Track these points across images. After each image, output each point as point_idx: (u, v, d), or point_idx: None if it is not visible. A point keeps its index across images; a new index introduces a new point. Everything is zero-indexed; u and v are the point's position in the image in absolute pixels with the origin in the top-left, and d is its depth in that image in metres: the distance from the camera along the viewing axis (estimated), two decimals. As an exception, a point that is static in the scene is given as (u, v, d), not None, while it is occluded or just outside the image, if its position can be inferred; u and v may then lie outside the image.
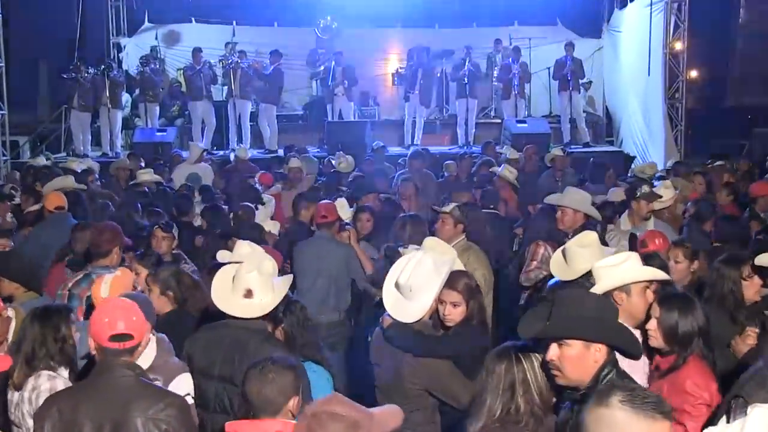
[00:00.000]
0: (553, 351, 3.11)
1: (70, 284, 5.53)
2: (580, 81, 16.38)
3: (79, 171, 11.35)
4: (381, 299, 4.92)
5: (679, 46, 15.89)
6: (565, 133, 16.17)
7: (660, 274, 4.28)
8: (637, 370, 4.04)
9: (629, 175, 11.92)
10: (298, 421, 2.59)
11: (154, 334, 4.09)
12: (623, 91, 17.11)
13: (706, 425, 3.51)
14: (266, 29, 18.48)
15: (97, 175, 11.77)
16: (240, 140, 15.75)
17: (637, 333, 4.08)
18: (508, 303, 6.96)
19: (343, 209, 7.69)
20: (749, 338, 4.28)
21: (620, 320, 4.02)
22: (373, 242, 7.22)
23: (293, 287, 6.52)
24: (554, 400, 3.24)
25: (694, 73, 22.06)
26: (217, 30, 18.07)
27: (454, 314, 4.46)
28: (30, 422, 3.75)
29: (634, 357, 3.26)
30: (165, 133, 15.66)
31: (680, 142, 15.83)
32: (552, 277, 5.12)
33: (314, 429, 2.50)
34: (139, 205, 8.73)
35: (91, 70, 15.80)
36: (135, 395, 3.45)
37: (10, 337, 4.38)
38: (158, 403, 3.45)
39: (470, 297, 4.49)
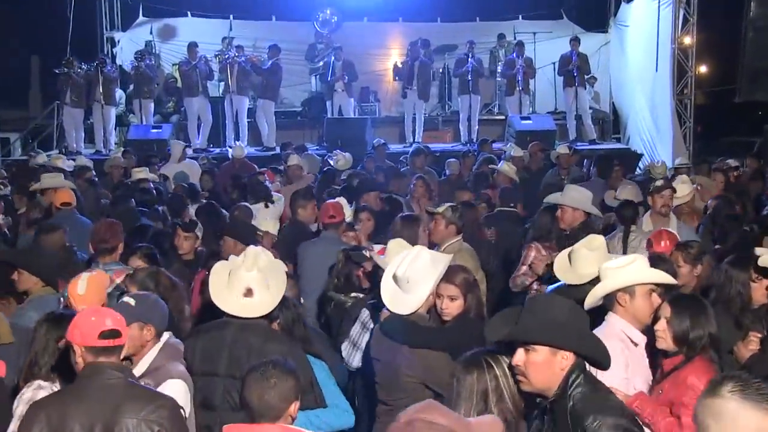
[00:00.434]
0: (519, 356, 3.11)
1: None
2: (586, 76, 16.35)
3: (68, 169, 11.36)
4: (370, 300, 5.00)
5: (687, 40, 15.87)
6: (571, 129, 16.13)
7: (666, 278, 4.27)
8: (641, 372, 4.04)
9: (637, 173, 11.91)
10: (391, 429, 2.57)
11: (163, 338, 4.15)
12: (630, 87, 17.09)
13: None
14: (264, 23, 18.45)
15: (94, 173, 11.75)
16: (237, 137, 15.72)
17: (641, 336, 4.10)
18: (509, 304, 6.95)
19: (344, 209, 7.66)
20: (752, 343, 4.27)
21: (625, 322, 4.10)
22: (374, 242, 7.18)
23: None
24: (523, 405, 3.25)
25: (703, 69, 22.08)
26: (213, 24, 18.05)
27: (451, 308, 4.58)
28: None
29: (602, 367, 3.23)
30: (160, 130, 15.62)
31: (689, 139, 15.81)
32: (550, 281, 5.13)
33: None
34: (133, 202, 8.75)
35: (84, 66, 15.77)
36: (125, 397, 3.46)
37: None
38: (149, 405, 3.47)
39: (468, 291, 4.61)
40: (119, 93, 16.74)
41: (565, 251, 5.15)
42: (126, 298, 4.13)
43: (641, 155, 15.84)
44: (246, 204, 8.29)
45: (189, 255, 6.82)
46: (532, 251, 6.33)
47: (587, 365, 3.20)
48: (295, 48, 17.72)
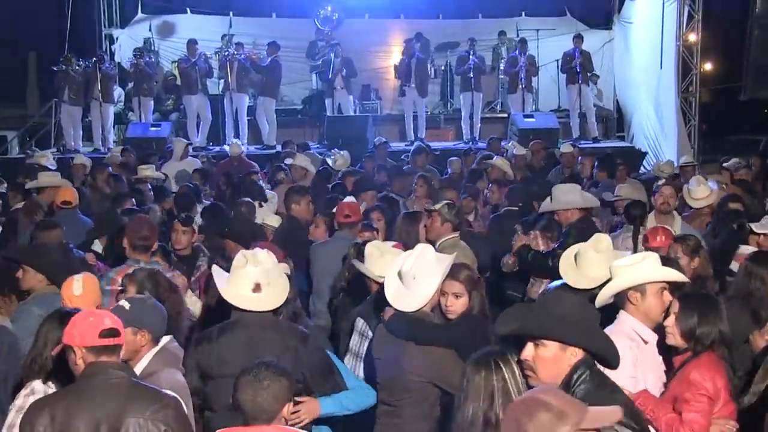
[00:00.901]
0: (528, 350, 3.17)
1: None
2: (589, 74, 16.38)
3: (52, 167, 11.38)
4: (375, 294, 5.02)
5: (692, 38, 15.89)
6: (574, 128, 16.16)
7: (677, 276, 4.32)
8: (654, 368, 4.09)
9: (642, 171, 11.94)
10: (510, 406, 2.64)
11: (162, 342, 4.16)
12: (634, 84, 17.10)
13: None
14: (264, 20, 18.46)
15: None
16: (237, 135, 15.75)
17: (651, 334, 4.14)
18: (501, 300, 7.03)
19: (360, 209, 7.71)
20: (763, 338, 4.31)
21: (636, 320, 4.14)
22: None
23: (310, 289, 6.59)
24: None
25: (708, 66, 22.08)
26: (213, 21, 18.06)
27: (456, 305, 4.61)
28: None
29: (610, 366, 3.29)
30: (159, 128, 15.64)
31: (694, 137, 15.85)
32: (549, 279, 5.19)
33: (523, 413, 2.52)
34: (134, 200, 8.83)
35: (82, 63, 15.80)
36: (130, 396, 3.47)
37: None
38: (154, 404, 3.48)
39: (472, 288, 4.65)
40: (118, 91, 16.78)
41: (571, 251, 5.19)
42: (121, 302, 4.11)
43: (645, 153, 15.87)
44: (249, 200, 8.31)
45: (186, 250, 6.84)
46: (530, 236, 6.70)
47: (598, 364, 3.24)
48: (296, 45, 17.74)
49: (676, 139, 15.27)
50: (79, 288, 4.67)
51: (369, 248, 5.31)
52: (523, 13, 18.29)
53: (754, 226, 6.29)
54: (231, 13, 17.82)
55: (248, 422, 3.27)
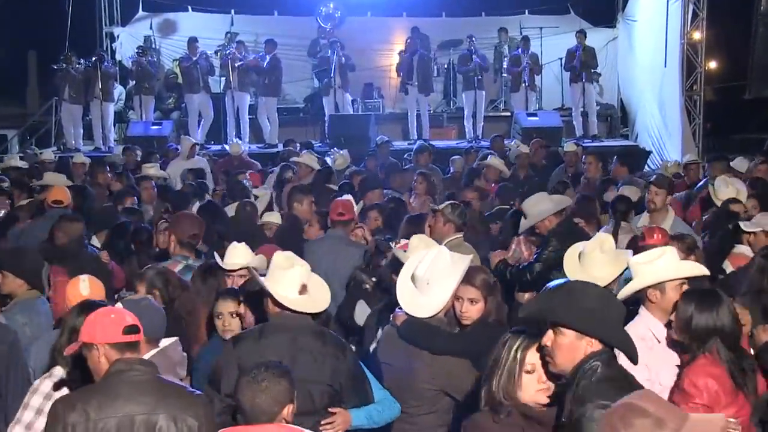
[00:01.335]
0: (548, 336, 3.20)
1: None
2: (593, 71, 16.39)
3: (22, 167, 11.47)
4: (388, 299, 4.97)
5: (697, 36, 15.91)
6: (578, 126, 16.18)
7: (696, 270, 4.31)
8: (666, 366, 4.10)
9: (646, 171, 11.93)
10: (607, 412, 2.61)
11: (162, 345, 4.14)
12: (639, 83, 17.11)
13: None
14: (266, 18, 18.49)
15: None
16: (238, 134, 15.78)
17: (665, 332, 4.12)
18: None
19: (353, 207, 7.72)
20: (764, 335, 4.31)
21: (654, 318, 4.15)
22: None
23: None
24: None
25: (712, 65, 22.10)
26: (214, 19, 18.08)
27: (471, 311, 4.42)
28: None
29: (631, 361, 3.28)
30: (160, 127, 15.69)
31: (698, 136, 15.84)
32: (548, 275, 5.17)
33: (619, 419, 2.50)
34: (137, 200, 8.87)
35: (82, 61, 15.83)
36: (160, 392, 3.49)
37: None
38: (185, 400, 3.51)
39: (489, 293, 4.45)
40: (118, 89, 16.81)
41: (575, 250, 5.15)
42: (117, 304, 4.09)
43: (650, 152, 15.88)
44: (251, 201, 8.32)
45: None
46: (512, 244, 6.73)
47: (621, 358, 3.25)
48: (298, 43, 17.78)
49: (680, 138, 15.27)
50: (86, 288, 4.65)
51: (415, 240, 5.23)
52: (527, 11, 18.29)
53: (743, 225, 6.25)
54: (232, 11, 17.82)
55: (249, 423, 3.28)
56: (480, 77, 15.79)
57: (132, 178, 10.64)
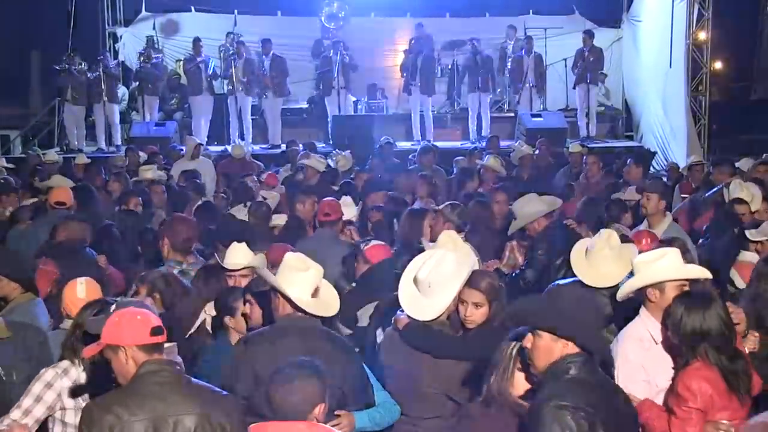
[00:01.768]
0: (528, 338, 3.31)
1: None
2: (600, 72, 16.40)
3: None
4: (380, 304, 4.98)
5: (702, 36, 15.90)
6: (582, 127, 16.19)
7: (696, 273, 4.30)
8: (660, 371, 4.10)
9: (651, 172, 11.91)
10: (746, 427, 2.59)
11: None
12: (643, 83, 17.11)
13: None
14: (269, 18, 18.49)
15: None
16: (241, 135, 15.80)
17: (658, 329, 4.12)
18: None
19: (349, 208, 7.74)
20: (750, 342, 4.30)
21: (653, 319, 4.14)
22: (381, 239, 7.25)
23: None
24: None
25: (718, 65, 22.03)
26: (217, 19, 18.06)
27: (475, 315, 4.39)
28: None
29: (602, 363, 3.33)
30: (163, 128, 15.71)
31: (703, 137, 15.85)
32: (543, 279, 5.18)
33: None
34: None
35: (85, 62, 15.85)
36: (191, 393, 3.51)
37: None
38: (215, 401, 3.55)
39: (493, 298, 4.41)
40: (122, 90, 16.84)
41: (581, 246, 5.14)
42: (112, 307, 4.09)
43: (655, 153, 15.87)
44: (261, 201, 8.33)
45: None
46: (506, 250, 6.80)
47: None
48: (301, 44, 17.80)
49: (685, 139, 15.27)
50: (83, 291, 4.66)
51: (443, 237, 5.21)
52: (531, 12, 18.26)
53: (748, 234, 6.13)
54: (236, 11, 17.80)
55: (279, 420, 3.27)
56: (483, 78, 15.79)
57: (129, 179, 10.66)
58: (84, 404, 3.80)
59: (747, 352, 4.23)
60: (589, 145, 13.82)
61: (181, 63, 16.82)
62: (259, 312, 4.52)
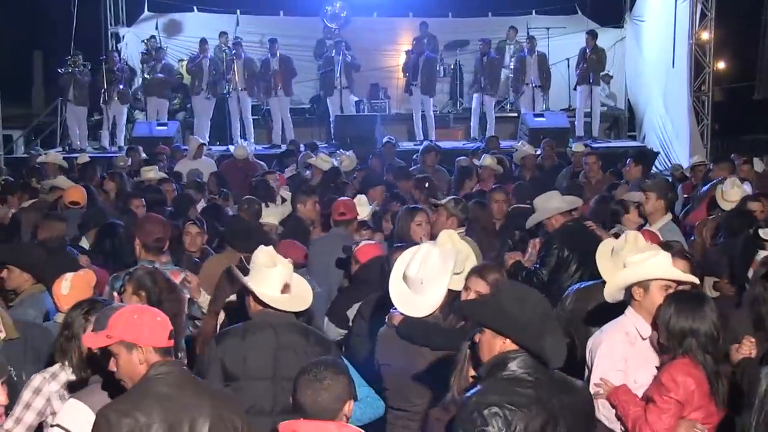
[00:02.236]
0: (477, 334, 3.37)
1: None
2: (601, 73, 16.39)
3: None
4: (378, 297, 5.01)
5: (705, 36, 15.88)
6: (579, 127, 16.10)
7: (680, 276, 4.29)
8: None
9: (653, 172, 11.90)
10: None
11: None
12: (646, 83, 17.10)
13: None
14: (271, 18, 18.53)
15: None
16: (243, 135, 15.82)
17: (650, 330, 4.14)
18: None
19: (363, 207, 7.75)
20: (744, 347, 4.30)
21: (637, 316, 4.17)
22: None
23: None
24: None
25: (721, 65, 22.06)
26: (220, 19, 18.09)
27: None
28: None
29: (546, 363, 3.29)
30: (166, 128, 15.71)
31: (706, 137, 15.82)
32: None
33: None
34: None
35: (88, 62, 15.87)
36: (204, 394, 3.51)
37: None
38: (227, 401, 3.57)
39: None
40: (126, 90, 16.84)
41: (606, 247, 5.08)
42: None
43: (657, 153, 15.87)
44: (252, 198, 8.34)
45: (197, 252, 6.93)
46: (529, 247, 6.83)
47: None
48: (303, 44, 17.80)
49: (688, 139, 15.25)
50: (66, 287, 4.69)
51: (443, 236, 5.19)
52: (534, 11, 18.29)
53: (762, 232, 6.06)
54: (238, 11, 17.86)
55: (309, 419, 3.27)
56: (487, 79, 15.80)
57: (126, 177, 10.68)
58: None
59: (742, 357, 4.23)
60: (592, 146, 13.80)
61: (184, 63, 16.83)
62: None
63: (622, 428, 4.06)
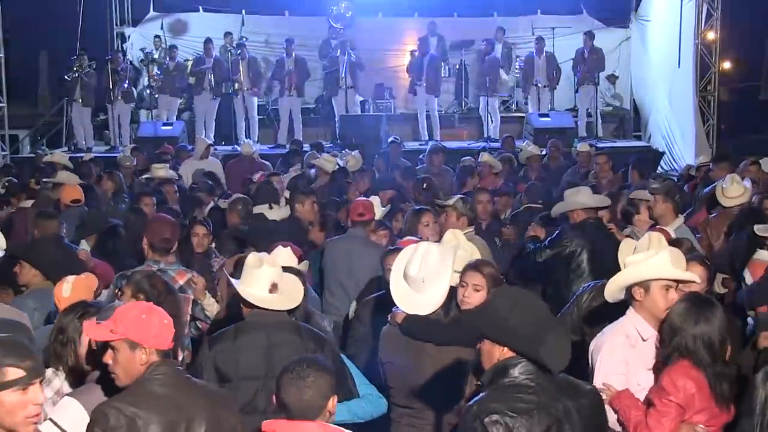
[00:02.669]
0: (478, 343, 3.38)
1: None
2: (602, 73, 16.37)
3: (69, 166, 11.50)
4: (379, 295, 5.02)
5: (711, 35, 15.87)
6: (581, 127, 16.11)
7: (680, 275, 4.25)
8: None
9: (659, 172, 11.87)
10: None
11: None
12: (652, 83, 17.08)
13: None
14: (277, 18, 18.53)
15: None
16: (248, 135, 15.84)
17: (651, 332, 4.12)
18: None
19: (377, 208, 7.73)
20: (764, 339, 4.30)
21: (638, 317, 4.15)
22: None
23: (321, 286, 6.65)
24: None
25: (727, 65, 21.99)
26: (225, 19, 18.11)
27: (473, 298, 4.47)
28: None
29: (546, 369, 3.27)
30: (171, 127, 15.73)
31: (712, 137, 15.81)
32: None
33: None
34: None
35: (93, 63, 15.89)
36: (201, 394, 3.53)
37: None
38: (224, 401, 3.59)
39: (493, 284, 4.51)
40: (130, 90, 16.85)
41: (628, 246, 4.91)
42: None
43: (663, 153, 15.85)
44: (245, 197, 8.34)
45: (203, 252, 6.93)
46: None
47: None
48: (309, 44, 17.78)
49: (694, 139, 15.24)
50: (68, 290, 4.67)
51: (448, 235, 5.23)
52: (539, 11, 18.27)
53: (757, 229, 6.08)
54: (243, 11, 17.87)
55: (294, 418, 3.28)
56: (492, 79, 15.80)
57: (123, 178, 10.69)
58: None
59: (762, 348, 4.23)
60: (597, 145, 13.78)
61: (190, 63, 16.84)
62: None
63: None
